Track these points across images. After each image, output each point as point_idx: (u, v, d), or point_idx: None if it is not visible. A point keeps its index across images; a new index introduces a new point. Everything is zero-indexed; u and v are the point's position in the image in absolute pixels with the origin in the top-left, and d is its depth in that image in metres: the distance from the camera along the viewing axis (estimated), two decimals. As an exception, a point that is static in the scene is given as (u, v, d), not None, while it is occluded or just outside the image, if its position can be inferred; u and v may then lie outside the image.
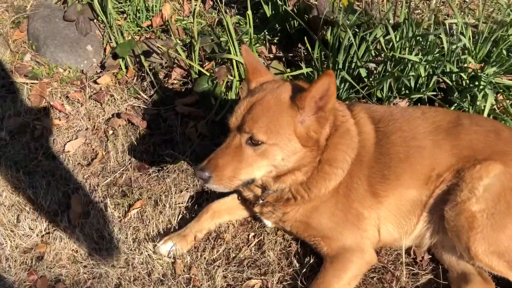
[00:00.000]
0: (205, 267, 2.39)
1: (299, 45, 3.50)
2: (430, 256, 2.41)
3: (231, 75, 3.24)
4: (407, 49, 3.05)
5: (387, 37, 3.05)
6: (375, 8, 3.39)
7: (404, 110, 2.46)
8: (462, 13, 3.82)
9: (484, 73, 2.94)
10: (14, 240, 2.55)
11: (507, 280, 2.15)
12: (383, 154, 2.30)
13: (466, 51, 3.04)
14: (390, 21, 3.17)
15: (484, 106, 2.80)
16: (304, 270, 2.34)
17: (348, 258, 2.25)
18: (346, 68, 3.06)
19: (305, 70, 3.13)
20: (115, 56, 3.69)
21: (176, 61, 3.52)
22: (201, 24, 3.83)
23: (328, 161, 2.22)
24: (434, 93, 3.02)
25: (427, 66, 2.97)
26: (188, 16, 3.94)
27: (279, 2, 3.50)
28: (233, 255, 2.45)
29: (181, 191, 2.79)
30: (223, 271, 2.36)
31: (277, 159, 2.07)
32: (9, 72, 3.60)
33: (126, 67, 3.64)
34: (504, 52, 3.00)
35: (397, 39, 3.01)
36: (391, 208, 2.30)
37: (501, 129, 2.34)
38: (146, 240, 2.52)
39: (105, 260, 2.42)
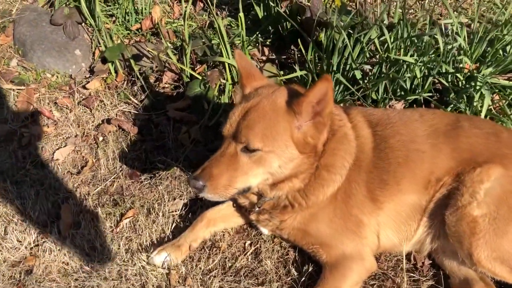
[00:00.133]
0: (201, 277, 2.32)
1: (292, 47, 3.45)
2: (431, 262, 2.36)
3: (224, 79, 3.18)
4: (402, 50, 3.01)
5: (381, 38, 3.01)
6: (368, 8, 3.33)
7: (401, 113, 2.41)
8: (455, 12, 3.79)
9: (480, 74, 2.91)
10: (1, 254, 2.46)
11: (510, 286, 2.11)
12: (381, 159, 2.25)
13: (462, 52, 3.00)
14: (385, 22, 3.12)
15: (481, 107, 2.77)
16: (303, 279, 2.28)
17: (348, 266, 2.20)
18: (340, 70, 3.01)
19: (299, 73, 3.07)
20: (104, 61, 3.61)
21: (167, 64, 3.46)
22: (192, 26, 3.77)
23: (326, 167, 2.17)
24: (430, 94, 2.98)
25: (423, 67, 2.93)
26: (178, 19, 3.87)
27: (271, 4, 3.44)
28: (229, 265, 2.38)
29: (175, 199, 2.72)
30: (219, 281, 2.29)
31: (274, 167, 2.01)
32: (-5, 78, 3.51)
33: (116, 72, 3.56)
34: (501, 52, 2.97)
35: (392, 40, 2.97)
36: (390, 213, 2.25)
37: (501, 131, 2.30)
38: (139, 250, 2.45)
39: (97, 272, 2.34)
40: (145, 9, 3.82)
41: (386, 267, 2.37)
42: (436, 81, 3.04)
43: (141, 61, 3.51)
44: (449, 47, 2.93)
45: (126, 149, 3.02)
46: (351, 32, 3.04)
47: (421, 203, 2.23)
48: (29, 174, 2.90)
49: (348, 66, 3.02)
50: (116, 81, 3.53)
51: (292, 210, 2.23)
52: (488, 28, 3.08)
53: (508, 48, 3.08)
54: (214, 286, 2.26)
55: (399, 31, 2.98)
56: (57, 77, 3.61)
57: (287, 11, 3.45)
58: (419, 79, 2.97)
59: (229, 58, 3.13)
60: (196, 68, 3.37)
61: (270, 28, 3.57)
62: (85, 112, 3.33)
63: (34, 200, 2.71)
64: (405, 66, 2.96)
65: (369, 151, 2.26)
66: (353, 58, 2.97)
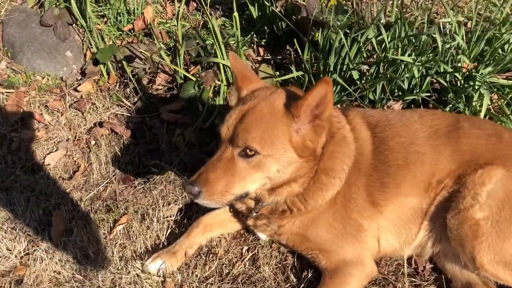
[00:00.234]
0: (197, 285, 2.26)
1: (288, 47, 3.40)
2: (432, 266, 2.32)
3: (218, 80, 3.13)
4: (399, 49, 2.96)
5: (379, 38, 2.96)
6: (365, 8, 3.28)
7: (400, 114, 2.36)
8: (451, 10, 3.75)
9: (479, 73, 2.87)
10: (-9, 263, 2.39)
11: (514, 290, 2.07)
12: (381, 161, 2.20)
13: (460, 51, 2.96)
14: (382, 21, 3.07)
15: (480, 106, 2.73)
16: (302, 285, 2.23)
17: (348, 272, 2.15)
18: (337, 70, 2.96)
19: (295, 73, 3.02)
20: (96, 62, 3.54)
21: (160, 66, 3.39)
22: (185, 27, 3.71)
23: (325, 171, 2.11)
24: (428, 94, 2.94)
25: (421, 67, 2.89)
26: (171, 19, 3.81)
27: (266, 3, 3.39)
28: (227, 271, 2.32)
29: (169, 204, 2.65)
30: (216, 289, 2.24)
31: (272, 171, 1.95)
32: (-17, 82, 3.42)
33: (108, 74, 3.49)
34: (500, 51, 2.93)
35: (389, 40, 2.92)
36: (391, 217, 2.20)
37: (502, 132, 2.26)
38: (134, 258, 2.38)
39: (90, 281, 2.27)
40: (137, 9, 3.75)
41: (386, 272, 2.32)
42: (434, 80, 3.00)
43: (133, 63, 3.44)
44: (447, 46, 2.89)
45: (119, 153, 2.95)
46: (348, 31, 2.99)
47: (422, 206, 2.19)
48: (19, 180, 2.82)
49: (345, 66, 2.97)
50: (108, 83, 3.46)
51: (291, 215, 2.18)
52: (486, 27, 3.05)
53: (506, 47, 3.04)
54: (211, 294, 2.20)
55: (397, 30, 2.94)
56: (48, 79, 3.53)
57: (282, 10, 3.40)
58: (417, 79, 2.92)
59: (223, 59, 3.07)
60: (190, 69, 3.31)
61: (265, 28, 3.52)
62: (76, 115, 3.26)
63: (24, 207, 2.63)
64: (402, 66, 2.91)
65: (368, 154, 2.21)
66: (350, 58, 2.92)
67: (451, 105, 2.86)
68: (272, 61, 3.37)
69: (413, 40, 2.96)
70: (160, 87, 3.38)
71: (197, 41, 3.39)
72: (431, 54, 2.94)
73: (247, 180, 1.95)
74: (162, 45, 3.44)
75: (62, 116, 3.23)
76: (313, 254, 2.21)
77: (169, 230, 2.51)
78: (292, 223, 2.19)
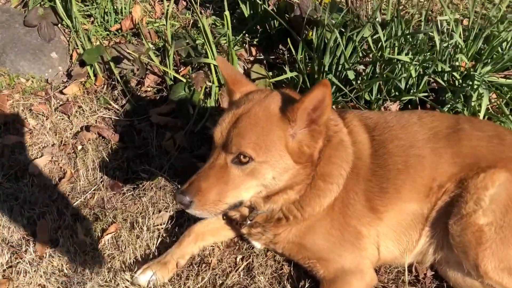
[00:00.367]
0: (190, 297, 2.16)
1: (281, 47, 3.31)
2: (433, 273, 2.24)
3: (210, 81, 3.03)
4: (396, 48, 2.88)
5: (374, 37, 2.88)
6: (360, 5, 3.20)
7: (399, 115, 2.28)
8: (447, 8, 3.68)
9: (477, 72, 2.79)
10: (-28, 277, 2.27)
11: (519, 298, 2.00)
12: (380, 166, 2.12)
13: (458, 49, 2.89)
14: (378, 19, 2.99)
15: (479, 106, 2.65)
16: (299, 296, 2.14)
17: (347, 281, 2.08)
18: (333, 70, 2.87)
19: (289, 74, 2.93)
20: (82, 64, 3.43)
21: (149, 67, 3.28)
22: (175, 26, 3.61)
23: (322, 176, 2.03)
24: (426, 94, 2.86)
25: (418, 66, 2.81)
26: (160, 18, 3.71)
27: (258, 1, 3.29)
28: (220, 282, 2.23)
29: (160, 211, 2.55)
30: (209, 300, 2.14)
31: (268, 179, 1.86)
32: (-36, 85, 3.29)
33: (95, 75, 3.38)
34: (499, 49, 2.86)
35: (386, 38, 2.84)
36: (391, 224, 2.12)
37: (504, 134, 2.19)
38: (123, 269, 2.27)
39: (76, 295, 2.17)
40: (125, 8, 3.64)
41: (386, 280, 2.24)
42: (432, 80, 2.92)
43: (121, 64, 3.34)
44: (445, 44, 2.82)
45: (107, 158, 2.84)
46: (343, 30, 2.90)
47: (422, 212, 2.12)
48: (1, 187, 2.70)
49: (340, 66, 2.89)
50: (95, 85, 3.34)
51: (287, 222, 2.09)
52: (483, 25, 2.98)
53: (504, 45, 2.97)
54: (204, 306, 2.11)
55: (393, 29, 2.86)
56: (32, 82, 3.41)
57: (274, 8, 3.32)
58: (414, 79, 2.85)
59: (214, 59, 2.97)
60: (180, 70, 3.21)
61: (257, 27, 3.43)
62: (62, 119, 3.14)
63: (7, 217, 2.52)
64: (399, 65, 2.84)
65: (367, 158, 2.13)
66: (346, 57, 2.84)
67: (449, 105, 2.79)
68: (265, 61, 3.28)
69: (410, 39, 2.88)
70: (149, 89, 3.27)
71: (187, 41, 3.29)
72: (428, 53, 2.86)
73: (241, 188, 1.85)
74: (151, 46, 3.34)
75: (47, 120, 3.12)
76: (311, 263, 2.13)
77: (159, 239, 2.41)
78: (288, 231, 2.11)
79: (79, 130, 3.05)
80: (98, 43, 3.48)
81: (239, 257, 2.34)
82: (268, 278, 2.24)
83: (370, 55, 2.95)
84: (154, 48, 3.37)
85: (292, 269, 2.26)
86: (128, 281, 2.19)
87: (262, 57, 3.32)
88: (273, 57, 3.31)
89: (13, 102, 3.24)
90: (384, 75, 2.79)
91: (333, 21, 3.01)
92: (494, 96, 2.85)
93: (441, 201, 2.09)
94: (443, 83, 2.81)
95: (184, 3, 3.81)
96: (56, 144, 2.98)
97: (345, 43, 2.84)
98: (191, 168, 2.65)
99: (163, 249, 2.32)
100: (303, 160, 1.90)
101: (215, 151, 1.89)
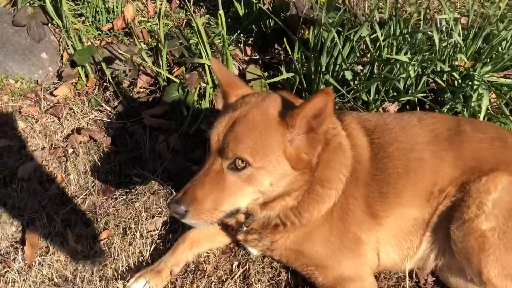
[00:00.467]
0: (185, 306, 2.10)
1: (277, 46, 3.24)
2: (434, 279, 2.19)
3: (204, 82, 2.96)
4: (394, 48, 2.83)
5: (372, 36, 2.82)
6: (357, 4, 3.14)
7: (398, 117, 2.22)
8: (446, 6, 3.64)
9: (477, 72, 2.74)
10: (-42, 287, 2.19)
11: (522, 305, 1.95)
12: (380, 170, 2.06)
13: (457, 49, 2.83)
14: (375, 18, 2.93)
15: (479, 107, 2.60)
16: (297, 304, 2.08)
17: (347, 288, 2.01)
18: (330, 70, 2.81)
19: (286, 75, 2.87)
20: (73, 64, 3.36)
21: (141, 67, 3.21)
22: (168, 25, 3.54)
23: (320, 181, 1.97)
24: (424, 94, 2.81)
25: (417, 66, 2.75)
26: (153, 17, 3.64)
27: (253, 0, 3.22)
28: (216, 290, 2.17)
29: (153, 217, 2.48)
30: (205, 310, 2.08)
31: (265, 185, 1.79)
32: (-49, 86, 3.21)
33: (86, 76, 3.31)
34: (500, 49, 2.81)
35: (384, 38, 2.78)
36: (391, 229, 2.06)
37: (506, 136, 2.14)
38: (115, 278, 2.20)
39: (67, 305, 2.10)
40: (117, 7, 3.57)
41: (386, 286, 2.19)
42: (431, 80, 2.87)
43: (113, 64, 3.27)
44: (444, 44, 2.76)
45: (99, 162, 2.77)
46: (340, 29, 2.84)
47: (423, 217, 2.06)
48: (-11, 193, 2.62)
49: (337, 66, 2.83)
50: (87, 86, 3.27)
51: (284, 229, 2.02)
52: (483, 24, 2.93)
53: (504, 44, 2.93)
54: (199, 316, 2.04)
55: (391, 28, 2.80)
56: (22, 83, 3.33)
57: (270, 7, 3.26)
58: (413, 79, 2.79)
59: (209, 59, 2.90)
60: (173, 71, 3.15)
61: (252, 26, 3.38)
62: (52, 121, 3.07)
63: (-5, 223, 2.44)
64: (398, 65, 2.78)
65: (366, 162, 2.07)
66: (343, 57, 2.78)
67: (448, 106, 2.74)
68: (260, 61, 3.21)
69: (409, 38, 2.82)
70: (141, 90, 3.21)
71: (181, 40, 3.22)
72: (427, 53, 2.81)
73: (238, 195, 1.78)
74: (144, 46, 3.27)
75: (37, 122, 3.04)
76: (309, 270, 2.07)
77: (153, 246, 2.34)
78: (285, 238, 2.05)
79: (70, 133, 2.98)
80: (89, 43, 3.42)
81: (235, 264, 2.27)
82: (265, 285, 2.18)
83: (368, 55, 2.90)
84: (146, 48, 3.31)
85: (289, 276, 2.20)
86: (121, 290, 2.13)
87: (257, 57, 3.26)
88: (269, 57, 3.25)
89: (1, 104, 3.16)
90: (382, 75, 2.74)
91: (330, 20, 2.96)
92: (493, 96, 2.80)
93: (443, 206, 2.04)
94: (442, 83, 2.76)
95: (177, 2, 3.75)
96: (46, 147, 2.90)
97: (342, 42, 2.78)
98: (185, 172, 2.59)
99: (157, 256, 2.25)
100: (301, 166, 1.84)
101: (211, 156, 1.82)
